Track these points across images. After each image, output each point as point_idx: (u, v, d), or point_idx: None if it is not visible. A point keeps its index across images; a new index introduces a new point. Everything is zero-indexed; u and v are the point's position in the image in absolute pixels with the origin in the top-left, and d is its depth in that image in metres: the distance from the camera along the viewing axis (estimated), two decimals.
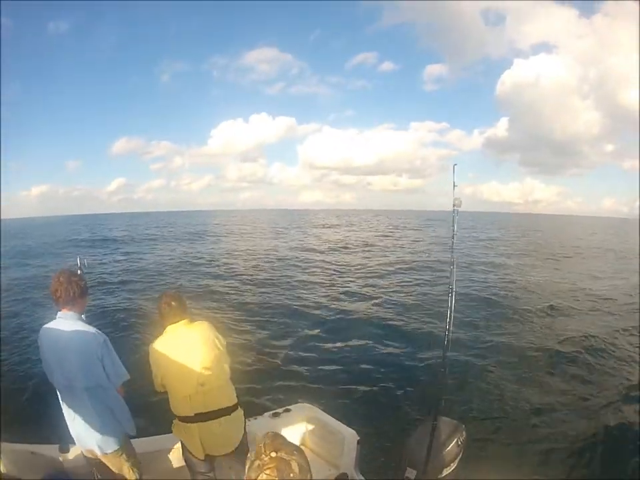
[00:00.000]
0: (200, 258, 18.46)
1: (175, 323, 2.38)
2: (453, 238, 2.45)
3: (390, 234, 34.82)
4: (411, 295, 11.31)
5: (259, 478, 1.05)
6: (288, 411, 3.19)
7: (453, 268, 2.41)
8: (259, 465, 1.09)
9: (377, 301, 10.59)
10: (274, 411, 3.17)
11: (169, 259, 17.87)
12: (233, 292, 11.47)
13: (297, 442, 3.10)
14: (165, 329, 2.42)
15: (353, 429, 2.97)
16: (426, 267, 15.63)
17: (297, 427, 3.16)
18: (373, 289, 12.14)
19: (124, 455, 2.37)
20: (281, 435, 1.18)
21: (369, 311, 9.66)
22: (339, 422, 3.05)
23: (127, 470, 2.38)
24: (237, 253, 20.38)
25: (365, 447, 2.89)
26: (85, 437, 2.28)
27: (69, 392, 2.23)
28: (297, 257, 18.56)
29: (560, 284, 13.15)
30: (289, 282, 12.80)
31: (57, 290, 2.17)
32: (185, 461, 2.46)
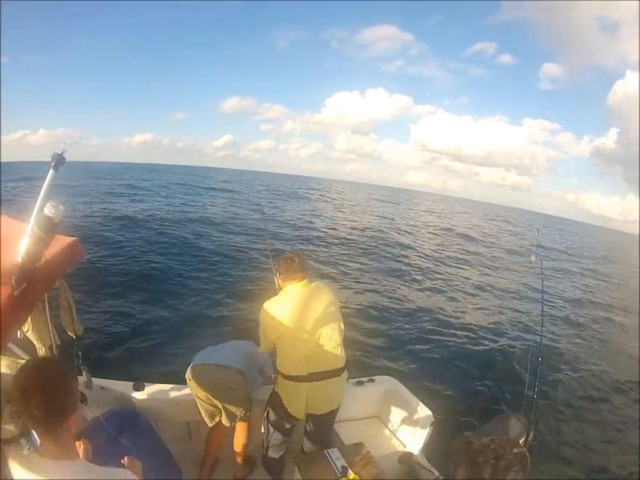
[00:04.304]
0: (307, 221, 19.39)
1: (295, 281, 2.38)
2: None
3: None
4: (508, 293, 11.35)
5: (507, 478, 1.16)
6: (372, 381, 3.19)
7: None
8: (505, 464, 1.17)
9: (480, 292, 10.83)
10: (358, 379, 3.15)
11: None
12: (336, 258, 12.02)
13: (373, 413, 3.22)
14: (282, 287, 2.44)
15: (431, 410, 2.92)
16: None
17: (377, 398, 3.19)
18: (478, 280, 12.23)
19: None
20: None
21: (474, 299, 9.96)
22: (419, 401, 2.99)
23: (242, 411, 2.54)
24: (343, 222, 21.06)
25: (436, 429, 2.88)
26: (209, 353, 2.58)
27: None
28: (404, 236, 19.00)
29: None
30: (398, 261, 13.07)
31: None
32: (269, 421, 2.51)
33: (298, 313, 2.31)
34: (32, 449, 1.81)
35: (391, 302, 8.48)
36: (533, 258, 3.11)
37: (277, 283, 2.56)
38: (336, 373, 2.38)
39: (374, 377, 3.23)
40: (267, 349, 2.49)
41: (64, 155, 1.18)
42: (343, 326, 2.42)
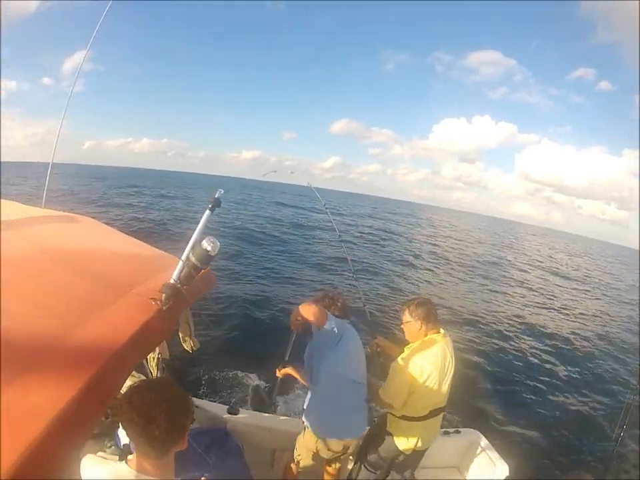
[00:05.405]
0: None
1: (437, 332, 2.39)
2: None
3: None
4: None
5: None
6: (458, 432, 3.27)
7: None
8: None
9: (583, 344, 10.14)
10: (445, 430, 3.20)
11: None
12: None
13: (453, 463, 3.30)
14: (421, 334, 2.36)
15: (509, 465, 2.97)
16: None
17: (459, 449, 3.30)
18: (581, 331, 11.43)
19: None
20: None
21: (577, 351, 9.49)
22: (498, 455, 3.07)
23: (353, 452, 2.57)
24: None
25: None
26: (347, 424, 2.43)
27: (349, 383, 2.40)
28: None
29: None
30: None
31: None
32: (366, 457, 2.60)
33: (441, 367, 2.34)
34: (114, 448, 1.93)
35: (492, 346, 8.34)
36: None
37: (416, 328, 2.38)
38: (442, 410, 2.49)
39: (460, 429, 3.28)
40: (399, 407, 2.37)
41: (220, 199, 1.35)
42: None
